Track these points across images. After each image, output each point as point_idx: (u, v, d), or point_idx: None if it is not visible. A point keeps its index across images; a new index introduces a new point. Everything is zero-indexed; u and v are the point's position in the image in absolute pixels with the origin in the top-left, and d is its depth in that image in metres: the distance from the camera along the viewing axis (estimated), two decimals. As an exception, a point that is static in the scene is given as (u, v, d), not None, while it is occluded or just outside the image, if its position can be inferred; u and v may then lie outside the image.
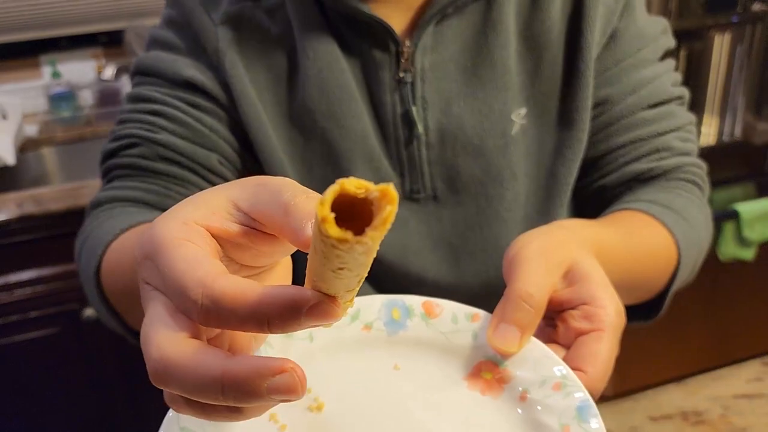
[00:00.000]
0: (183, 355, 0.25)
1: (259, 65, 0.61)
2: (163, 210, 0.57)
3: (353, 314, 0.41)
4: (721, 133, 1.77)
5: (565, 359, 0.39)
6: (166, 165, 0.60)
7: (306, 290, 0.25)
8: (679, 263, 0.59)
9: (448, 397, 0.38)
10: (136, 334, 0.58)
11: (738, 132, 1.76)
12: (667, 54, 0.67)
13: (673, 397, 0.92)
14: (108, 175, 0.63)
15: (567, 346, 0.41)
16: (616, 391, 1.87)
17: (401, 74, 0.60)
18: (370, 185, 0.22)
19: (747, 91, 1.73)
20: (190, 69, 0.61)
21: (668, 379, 1.64)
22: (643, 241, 0.57)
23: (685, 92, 0.67)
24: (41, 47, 2.00)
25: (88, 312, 1.60)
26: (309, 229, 0.26)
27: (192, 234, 0.28)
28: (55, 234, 1.56)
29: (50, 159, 1.96)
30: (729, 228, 1.80)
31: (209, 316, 0.25)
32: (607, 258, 0.46)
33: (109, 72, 1.82)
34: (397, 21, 0.60)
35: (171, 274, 0.26)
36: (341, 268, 0.24)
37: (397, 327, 0.41)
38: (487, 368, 0.38)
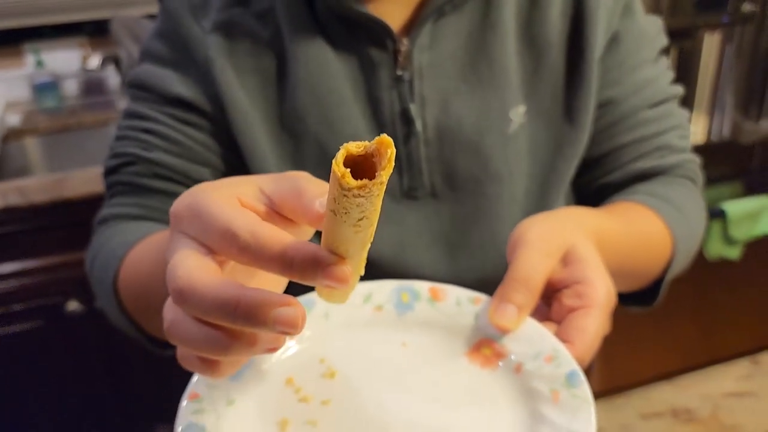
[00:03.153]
0: (207, 279, 0.30)
1: (249, 70, 0.61)
2: (164, 223, 0.60)
3: (366, 296, 0.45)
4: (709, 132, 1.78)
5: (556, 333, 0.42)
6: (161, 182, 0.62)
7: (327, 252, 0.30)
8: (674, 253, 0.62)
9: (450, 370, 0.42)
10: (153, 340, 0.61)
11: (726, 131, 1.77)
12: (662, 52, 0.69)
13: (663, 395, 0.93)
14: (110, 191, 0.66)
15: (559, 322, 0.44)
16: (606, 387, 1.89)
17: (399, 72, 0.60)
18: (368, 143, 0.27)
19: (736, 90, 1.74)
20: (179, 85, 0.62)
21: (657, 376, 1.66)
22: (641, 231, 0.60)
23: (680, 90, 0.69)
24: (25, 35, 1.97)
25: (72, 306, 1.58)
26: (318, 207, 0.32)
27: (234, 198, 0.33)
28: (40, 226, 1.53)
29: (33, 149, 1.93)
30: (716, 227, 1.82)
31: (247, 251, 0.31)
32: (607, 245, 0.49)
33: (95, 62, 1.79)
34: (395, 19, 0.60)
35: (221, 217, 0.31)
36: (361, 219, 0.28)
37: (406, 309, 0.46)
38: (487, 345, 0.43)
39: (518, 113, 0.61)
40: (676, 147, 0.67)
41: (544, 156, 0.63)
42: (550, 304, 0.46)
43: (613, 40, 0.64)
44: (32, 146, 1.92)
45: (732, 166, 1.83)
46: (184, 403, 0.38)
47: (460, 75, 0.61)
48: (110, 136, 1.95)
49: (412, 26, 0.61)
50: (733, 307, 2.00)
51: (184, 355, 0.34)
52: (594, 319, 0.43)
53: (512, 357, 0.42)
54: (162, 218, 0.63)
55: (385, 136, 0.27)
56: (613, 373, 1.88)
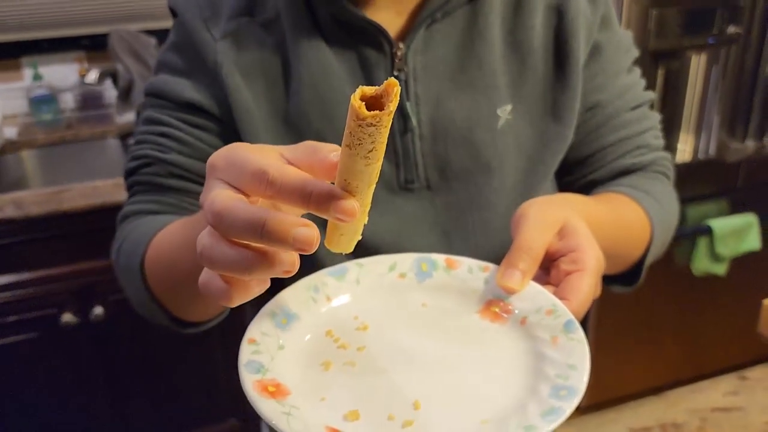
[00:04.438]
0: (240, 205, 0.36)
1: (255, 74, 0.66)
2: (180, 217, 0.65)
3: (390, 266, 0.53)
4: (696, 150, 1.81)
5: (554, 293, 0.49)
6: (176, 181, 0.68)
7: (340, 189, 0.36)
8: (652, 237, 0.70)
9: (465, 325, 0.49)
10: (177, 321, 0.65)
11: (712, 150, 1.81)
12: (635, 62, 0.76)
13: (652, 410, 0.95)
14: (131, 190, 0.71)
15: (557, 285, 0.50)
16: (596, 402, 1.91)
17: (395, 73, 0.65)
18: (378, 87, 0.33)
19: (721, 110, 1.78)
20: (190, 91, 0.67)
21: (646, 391, 1.68)
22: (623, 217, 0.67)
23: (652, 95, 0.77)
24: (23, 49, 1.98)
25: (67, 317, 1.58)
26: (332, 157, 0.37)
27: (263, 150, 0.39)
28: (36, 238, 1.54)
29: (30, 162, 1.94)
30: (702, 243, 1.85)
31: (274, 186, 0.36)
32: (594, 227, 0.55)
33: (93, 76, 1.81)
34: (391, 25, 0.66)
35: (253, 160, 0.38)
36: (371, 150, 0.34)
37: (425, 276, 0.53)
38: (496, 304, 0.50)
39: (505, 111, 0.67)
40: (652, 145, 0.75)
41: (530, 149, 0.69)
42: (548, 272, 0.52)
43: (596, 50, 0.70)
44: (29, 158, 1.93)
45: (718, 184, 1.86)
46: (244, 346, 0.44)
47: (451, 76, 0.66)
48: (107, 149, 1.95)
49: (407, 32, 0.66)
50: (720, 322, 2.03)
51: (205, 279, 0.39)
52: (587, 280, 0.49)
53: (517, 312, 0.48)
54: (178, 213, 0.68)
55: (392, 79, 0.33)
56: (602, 388, 1.90)
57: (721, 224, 1.83)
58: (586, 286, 0.49)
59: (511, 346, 0.46)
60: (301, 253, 0.36)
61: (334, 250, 0.41)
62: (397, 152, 0.66)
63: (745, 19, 1.69)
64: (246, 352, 0.44)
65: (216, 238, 0.37)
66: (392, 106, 0.32)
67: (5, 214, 1.50)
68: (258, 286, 0.40)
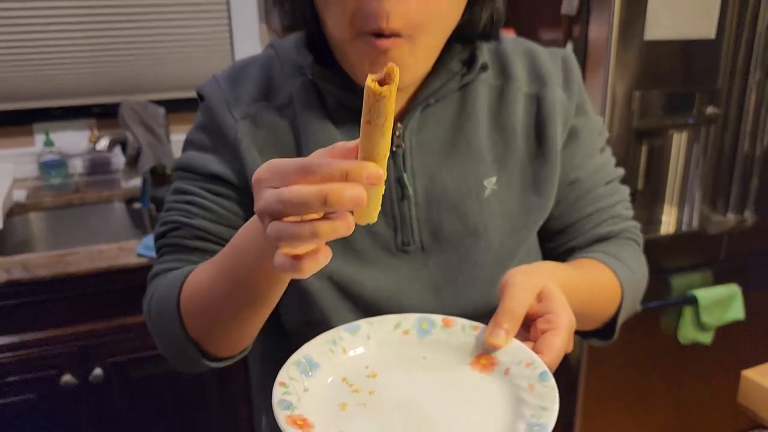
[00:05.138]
0: (302, 187, 0.45)
1: (270, 150, 0.74)
2: None
3: (396, 324, 0.63)
4: (680, 223, 1.88)
5: (532, 348, 0.57)
6: (201, 242, 0.76)
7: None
8: (623, 298, 0.79)
9: (458, 375, 0.57)
10: (212, 358, 0.72)
11: (695, 223, 1.88)
12: (606, 143, 0.86)
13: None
14: (159, 252, 0.79)
15: (535, 341, 0.59)
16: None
17: (395, 148, 0.74)
18: (382, 74, 0.44)
19: (703, 185, 1.86)
20: (214, 164, 0.76)
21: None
22: (596, 280, 0.77)
23: (622, 171, 0.87)
24: (35, 116, 2.07)
25: (66, 378, 1.61)
26: (349, 144, 0.47)
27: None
28: (42, 299, 1.58)
29: (37, 224, 1.99)
30: (688, 312, 1.90)
31: (317, 174, 0.45)
32: (569, 291, 0.64)
33: (103, 143, 1.88)
34: None
35: (294, 161, 0.47)
36: (385, 121, 0.44)
37: (425, 333, 0.62)
38: (484, 357, 0.58)
39: (491, 182, 0.75)
40: (623, 216, 0.85)
41: (514, 216, 0.77)
42: (528, 329, 0.61)
43: (573, 133, 0.80)
44: (36, 221, 1.99)
45: (702, 255, 1.93)
46: (276, 388, 0.53)
47: (443, 152, 0.75)
48: (113, 212, 2.02)
49: (404, 113, 0.75)
50: (706, 390, 2.06)
51: (278, 261, 0.48)
52: (559, 338, 0.58)
53: (501, 364, 0.57)
54: None
55: (391, 64, 0.44)
56: (592, 455, 1.91)
57: (705, 294, 1.88)
58: (558, 342, 0.57)
59: (495, 391, 0.55)
60: (354, 209, 0.45)
61: (362, 222, 0.50)
62: (395, 217, 0.74)
63: (722, 101, 1.79)
64: (278, 393, 0.53)
65: (280, 222, 0.46)
66: (395, 82, 0.44)
67: (12, 275, 1.55)
68: (323, 254, 0.48)
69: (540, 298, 0.60)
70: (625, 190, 0.87)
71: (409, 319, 0.63)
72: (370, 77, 0.44)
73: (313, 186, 0.45)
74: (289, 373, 0.55)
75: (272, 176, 0.48)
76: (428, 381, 0.57)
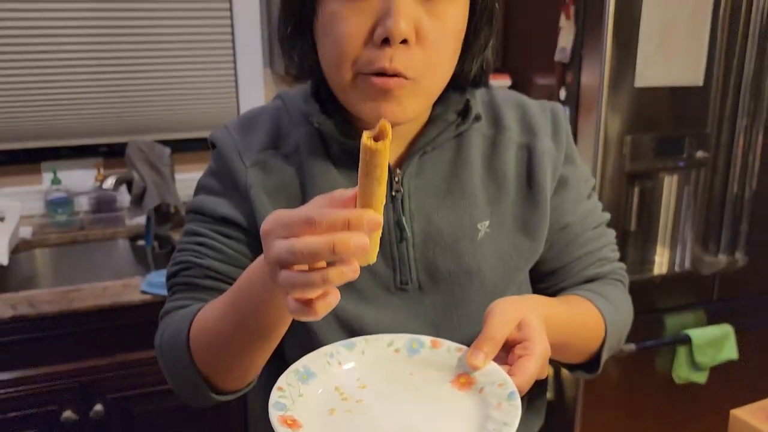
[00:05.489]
0: (311, 238, 0.50)
1: (278, 195, 0.79)
2: None
3: (389, 342, 0.69)
4: (672, 263, 1.92)
5: (508, 371, 0.63)
6: (211, 282, 0.80)
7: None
8: (606, 334, 0.84)
9: (438, 391, 0.64)
10: (219, 392, 0.76)
11: (687, 263, 1.92)
12: (592, 189, 0.92)
13: None
14: (171, 290, 0.83)
15: (512, 365, 0.65)
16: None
17: (394, 193, 0.78)
18: (374, 130, 0.50)
19: (694, 226, 1.90)
20: (225, 207, 0.81)
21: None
22: (580, 314, 0.81)
23: (608, 215, 0.92)
24: (44, 155, 2.12)
25: (67, 414, 1.62)
26: (348, 192, 0.53)
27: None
28: (45, 335, 1.61)
29: (41, 260, 2.03)
30: (682, 352, 1.92)
31: (322, 224, 0.50)
32: (554, 323, 0.71)
33: (110, 182, 1.93)
34: (391, 154, 0.80)
35: (299, 212, 0.52)
36: (381, 173, 0.50)
37: (414, 352, 0.68)
38: (464, 376, 0.64)
39: (484, 225, 0.80)
40: (610, 258, 0.90)
41: (506, 258, 0.81)
42: (508, 353, 0.67)
43: (563, 181, 0.85)
44: (40, 257, 2.03)
45: (695, 295, 1.96)
46: (274, 391, 0.59)
47: (439, 196, 0.79)
48: (116, 250, 2.06)
49: (403, 159, 0.80)
50: (700, 429, 2.06)
51: (291, 306, 0.53)
52: (533, 363, 0.63)
53: (478, 383, 0.63)
54: None
55: (384, 121, 0.50)
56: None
57: (699, 334, 1.91)
58: (531, 367, 0.63)
59: (468, 407, 0.61)
60: (359, 255, 0.50)
61: (362, 263, 0.54)
62: (394, 258, 0.78)
63: (711, 145, 1.85)
64: (274, 396, 0.59)
65: (291, 271, 0.51)
66: (389, 138, 0.50)
67: (18, 311, 1.57)
68: (333, 296, 0.53)
69: (520, 327, 0.66)
70: (611, 233, 0.91)
71: (401, 339, 0.69)
72: (365, 134, 0.50)
73: (321, 237, 0.50)
74: (287, 379, 0.62)
75: (280, 228, 0.53)
76: (411, 394, 0.63)
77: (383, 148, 0.49)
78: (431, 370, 0.66)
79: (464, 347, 0.67)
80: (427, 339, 0.69)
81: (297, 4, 0.72)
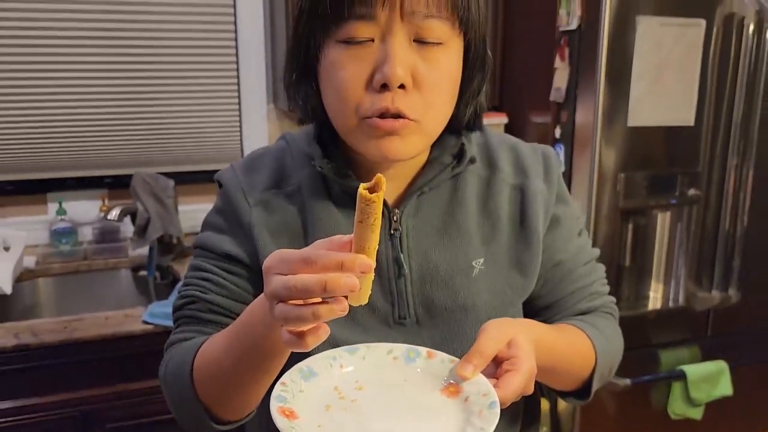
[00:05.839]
0: (306, 276, 0.55)
1: (280, 233, 0.83)
2: None
3: (388, 351, 0.73)
4: (666, 298, 1.95)
5: (495, 384, 0.67)
6: (214, 316, 0.83)
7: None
8: (596, 362, 0.87)
9: (428, 397, 0.68)
10: (220, 422, 0.79)
11: (681, 299, 1.95)
12: (583, 226, 0.95)
13: None
14: (177, 322, 0.87)
15: (498, 378, 0.69)
16: None
17: (392, 231, 0.81)
18: (371, 183, 0.55)
19: (687, 262, 1.93)
20: (229, 245, 0.84)
21: None
22: (570, 341, 0.85)
23: (597, 251, 0.96)
24: (50, 186, 2.16)
25: (65, 443, 1.63)
26: (345, 238, 0.57)
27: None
28: (47, 364, 1.62)
29: (44, 289, 2.05)
30: (677, 388, 1.94)
31: (318, 264, 0.55)
32: (543, 346, 0.74)
33: (114, 213, 1.96)
34: (390, 195, 0.84)
35: (297, 252, 0.57)
36: (374, 221, 0.55)
37: (411, 361, 0.72)
38: (453, 386, 0.69)
39: (479, 262, 0.83)
40: (601, 292, 0.94)
41: (500, 293, 0.84)
42: (497, 368, 0.71)
43: (555, 220, 0.89)
44: (44, 286, 2.05)
45: (690, 330, 1.98)
46: (277, 385, 0.64)
47: (436, 235, 0.83)
48: (119, 280, 2.08)
49: (401, 200, 0.84)
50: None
51: (285, 337, 0.58)
52: (518, 378, 0.68)
53: (464, 392, 0.68)
54: None
55: (379, 175, 0.55)
56: None
57: (694, 370, 1.92)
58: (516, 382, 0.67)
59: (453, 413, 0.66)
60: (349, 294, 0.55)
61: (354, 304, 0.59)
62: (392, 293, 0.82)
63: (703, 183, 1.89)
64: (277, 389, 0.64)
65: (286, 305, 0.55)
66: (383, 191, 0.55)
67: (21, 340, 1.59)
68: (323, 331, 0.58)
69: (509, 345, 0.70)
70: (601, 268, 0.96)
71: (400, 348, 0.74)
72: (361, 186, 0.55)
73: (315, 275, 0.55)
74: (291, 376, 0.67)
75: (279, 265, 0.58)
76: (403, 398, 0.68)
77: (377, 199, 0.55)
78: (424, 378, 0.70)
79: (456, 359, 0.71)
80: (423, 350, 0.73)
81: (302, 52, 0.77)
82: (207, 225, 0.89)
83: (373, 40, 0.71)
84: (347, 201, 0.83)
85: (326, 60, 0.74)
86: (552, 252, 0.88)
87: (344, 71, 0.72)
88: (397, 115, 0.72)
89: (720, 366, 1.95)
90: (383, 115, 0.72)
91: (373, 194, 0.55)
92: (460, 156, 0.84)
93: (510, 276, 0.85)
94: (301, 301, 0.56)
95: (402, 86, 0.71)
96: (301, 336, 0.58)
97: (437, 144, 0.83)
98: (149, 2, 2.12)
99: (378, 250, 0.83)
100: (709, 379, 1.94)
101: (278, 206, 0.84)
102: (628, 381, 1.84)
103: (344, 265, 0.55)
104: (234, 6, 2.22)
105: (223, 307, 0.83)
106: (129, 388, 1.69)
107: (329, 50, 0.73)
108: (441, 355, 0.72)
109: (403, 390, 0.69)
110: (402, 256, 0.81)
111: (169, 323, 1.34)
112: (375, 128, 0.73)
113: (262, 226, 0.82)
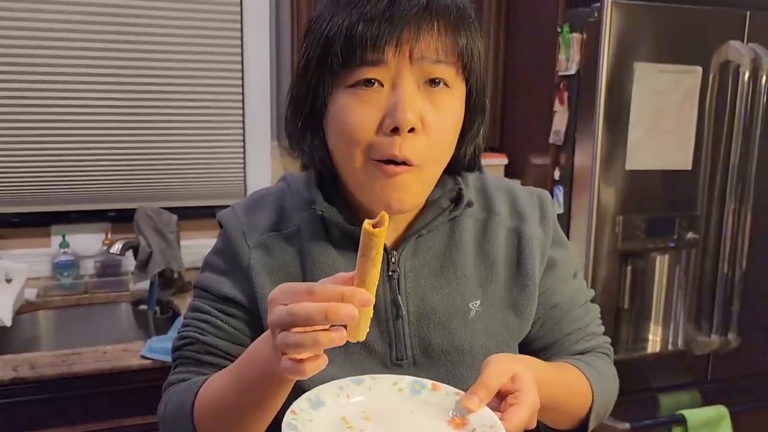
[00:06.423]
0: (308, 304, 0.58)
1: (279, 274, 0.84)
2: None
3: (394, 382, 0.74)
4: (666, 341, 1.94)
5: (500, 417, 0.68)
6: (212, 357, 0.84)
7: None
8: (593, 400, 0.88)
9: (434, 428, 0.69)
10: None
11: (681, 342, 1.94)
12: (578, 269, 0.96)
13: None
14: (175, 362, 0.88)
15: (503, 412, 0.70)
16: None
17: (390, 273, 0.83)
18: (375, 219, 0.58)
19: (686, 305, 1.94)
20: (227, 287, 0.85)
21: None
22: (568, 378, 0.86)
23: (592, 292, 0.98)
24: (53, 219, 2.17)
25: (59, 479, 1.62)
26: (348, 274, 0.60)
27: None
28: (44, 398, 1.62)
29: (44, 322, 2.05)
30: (677, 432, 1.92)
31: (321, 295, 0.58)
32: (543, 384, 0.74)
33: (117, 247, 1.98)
34: (388, 237, 0.85)
35: (302, 284, 0.60)
36: (375, 256, 0.58)
37: (416, 393, 0.73)
38: (459, 418, 0.70)
39: (475, 304, 0.84)
40: (596, 332, 0.96)
41: (496, 335, 0.85)
42: (501, 402, 0.71)
43: (551, 264, 0.90)
44: (44, 319, 2.05)
45: (690, 375, 1.97)
46: (287, 414, 0.65)
47: (434, 277, 0.84)
48: (119, 313, 2.08)
49: (399, 242, 0.85)
50: None
51: (284, 364, 0.60)
52: (522, 411, 0.68)
53: (470, 424, 0.69)
54: None
55: (383, 213, 0.58)
56: None
57: (694, 415, 1.90)
58: (520, 415, 0.68)
59: None
60: (348, 323, 0.58)
61: (353, 339, 0.61)
62: (390, 335, 0.83)
63: (701, 227, 1.90)
64: (288, 417, 0.65)
65: (288, 332, 0.58)
66: (386, 227, 0.58)
67: (19, 373, 1.59)
68: (322, 359, 0.60)
69: (513, 379, 0.71)
70: (596, 309, 0.97)
71: (405, 380, 0.75)
72: (366, 222, 0.58)
73: (317, 303, 0.57)
74: (300, 405, 0.68)
75: (284, 295, 0.61)
76: (411, 429, 0.69)
77: (380, 234, 0.58)
78: (430, 409, 0.71)
79: (461, 392, 0.72)
80: (428, 382, 0.74)
81: (309, 101, 0.79)
82: (207, 266, 0.90)
83: (382, 85, 0.74)
84: (346, 244, 0.84)
85: (335, 106, 0.76)
86: (549, 295, 0.90)
87: (354, 115, 0.74)
88: (403, 163, 0.74)
89: (720, 411, 1.94)
90: (388, 161, 0.74)
91: (377, 229, 0.57)
92: (457, 200, 0.86)
93: (506, 318, 0.86)
94: (302, 329, 0.58)
95: (412, 129, 0.73)
96: (300, 363, 0.59)
97: (436, 186, 0.85)
98: (156, 40, 2.17)
99: (378, 293, 0.85)
100: (710, 424, 1.92)
101: (277, 248, 0.85)
102: (627, 425, 1.82)
103: (345, 296, 0.57)
104: (241, 45, 2.27)
105: (221, 349, 0.84)
106: (124, 424, 1.68)
107: (338, 96, 0.75)
108: (446, 388, 0.73)
109: (410, 421, 0.70)
110: (400, 297, 0.83)
111: (168, 358, 1.35)
112: (380, 172, 0.75)
113: (261, 268, 0.84)
